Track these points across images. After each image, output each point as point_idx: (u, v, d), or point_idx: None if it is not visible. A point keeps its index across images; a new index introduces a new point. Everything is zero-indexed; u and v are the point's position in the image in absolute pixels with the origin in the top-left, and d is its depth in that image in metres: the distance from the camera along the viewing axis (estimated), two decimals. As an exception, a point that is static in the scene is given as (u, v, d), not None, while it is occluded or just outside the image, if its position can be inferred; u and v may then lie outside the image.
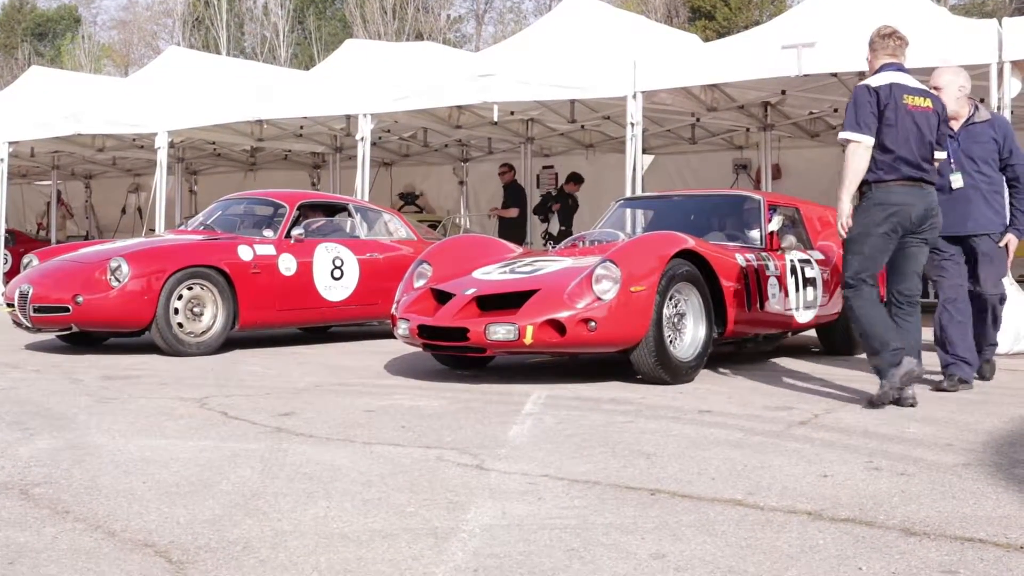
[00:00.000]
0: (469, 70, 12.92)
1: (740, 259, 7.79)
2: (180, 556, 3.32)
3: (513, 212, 15.64)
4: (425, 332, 7.25)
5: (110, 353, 9.25)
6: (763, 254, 8.15)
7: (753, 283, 7.79)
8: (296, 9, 54.55)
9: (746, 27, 34.19)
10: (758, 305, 7.83)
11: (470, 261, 7.95)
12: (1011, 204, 7.07)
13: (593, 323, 6.78)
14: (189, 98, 15.32)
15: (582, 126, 16.25)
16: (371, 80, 13.71)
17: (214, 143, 18.85)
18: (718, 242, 8.14)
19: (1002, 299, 7.13)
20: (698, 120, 15.01)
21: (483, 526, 3.63)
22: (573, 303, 6.84)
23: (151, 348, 9.68)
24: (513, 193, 15.89)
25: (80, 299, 8.99)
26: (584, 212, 15.94)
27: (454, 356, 7.75)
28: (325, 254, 10.29)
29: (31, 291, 9.27)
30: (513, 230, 14.92)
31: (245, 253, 9.64)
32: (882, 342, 6.00)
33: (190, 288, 9.26)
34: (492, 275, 7.54)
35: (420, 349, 7.77)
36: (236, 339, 10.46)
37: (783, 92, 13.24)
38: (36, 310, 9.22)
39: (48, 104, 17.11)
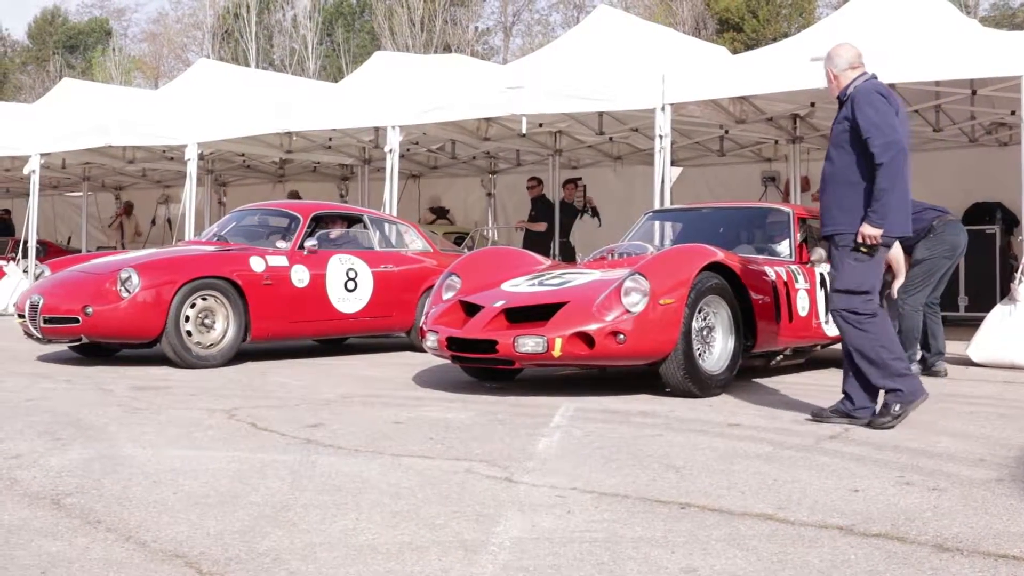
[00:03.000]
0: (498, 82, 12.93)
1: (769, 272, 7.76)
2: (210, 567, 3.33)
3: (541, 226, 15.62)
4: (454, 344, 7.26)
5: (139, 364, 9.29)
6: (792, 267, 8.11)
7: (782, 296, 7.76)
8: (325, 22, 54.83)
9: (774, 39, 34.13)
10: (787, 318, 7.80)
11: (499, 273, 7.95)
12: None
13: (622, 336, 6.77)
14: (219, 110, 15.39)
15: (610, 138, 16.23)
16: (400, 92, 13.74)
17: (243, 155, 18.93)
18: (747, 255, 8.11)
19: None
20: (727, 132, 14.98)
21: (513, 539, 3.62)
22: (602, 316, 6.83)
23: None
24: (542, 207, 15.88)
25: (90, 310, 8.93)
26: (612, 225, 15.90)
27: (482, 368, 7.75)
28: (339, 265, 10.20)
29: (41, 302, 9.21)
30: (540, 244, 14.89)
31: (257, 264, 9.56)
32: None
33: (202, 299, 9.18)
34: (521, 287, 7.54)
35: (448, 361, 7.78)
36: (262, 351, 10.51)
37: (812, 104, 13.19)
38: (46, 321, 9.16)
39: (79, 116, 17.23)
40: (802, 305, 7.98)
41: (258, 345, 10.64)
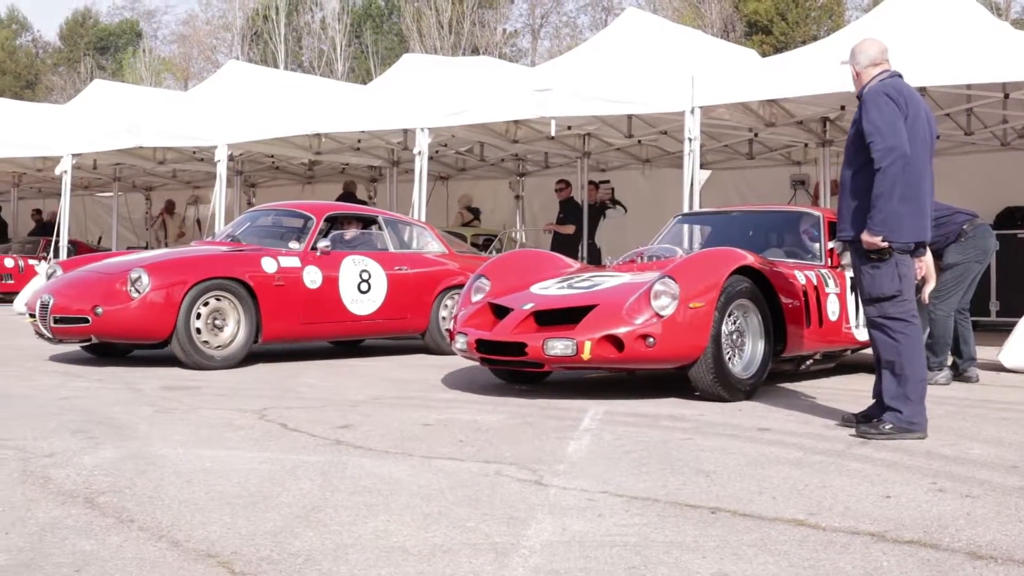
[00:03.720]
0: (527, 85, 12.93)
1: (799, 276, 7.73)
2: (243, 567, 3.34)
3: (570, 229, 15.63)
4: (483, 346, 7.27)
5: (169, 364, 9.31)
6: (823, 271, 8.08)
7: (812, 300, 7.73)
8: (353, 23, 55.02)
9: (803, 42, 34.05)
10: (817, 322, 7.77)
11: (528, 276, 7.95)
12: None
13: (651, 339, 6.76)
14: (248, 111, 15.46)
15: (639, 141, 16.22)
16: (428, 94, 13.77)
17: (272, 156, 19.00)
18: (777, 258, 8.08)
19: None
20: (756, 135, 14.94)
21: (543, 542, 3.62)
22: (631, 319, 6.82)
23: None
24: (570, 209, 15.88)
25: (99, 310, 8.86)
26: (640, 227, 15.88)
27: (511, 370, 7.75)
28: (352, 267, 10.10)
29: (52, 301, 9.15)
30: (567, 246, 14.88)
31: (269, 265, 9.47)
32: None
33: (213, 300, 9.10)
34: (550, 290, 7.54)
35: (477, 363, 7.79)
36: (291, 351, 10.53)
37: (842, 107, 13.14)
38: (56, 321, 9.10)
39: (110, 117, 17.34)
40: (832, 309, 7.94)
41: (286, 347, 10.69)
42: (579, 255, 15.13)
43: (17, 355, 9.98)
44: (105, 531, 3.75)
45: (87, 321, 8.93)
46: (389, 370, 9.30)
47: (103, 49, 68.98)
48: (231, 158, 16.01)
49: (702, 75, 11.48)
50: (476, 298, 7.83)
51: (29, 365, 9.23)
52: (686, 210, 10.99)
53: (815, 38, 35.67)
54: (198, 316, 9.01)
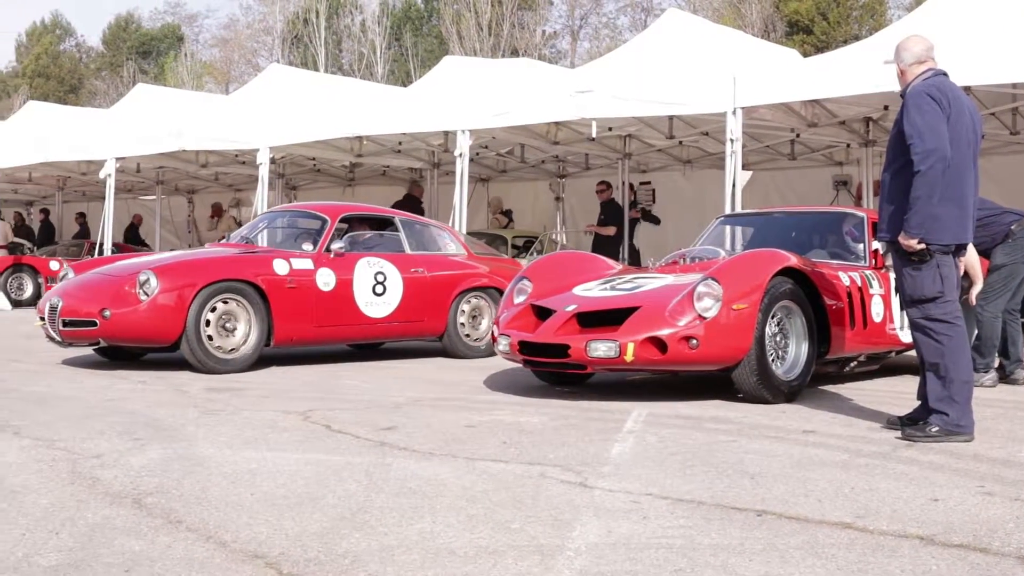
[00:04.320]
0: (567, 86, 12.92)
1: (844, 277, 7.68)
2: (290, 568, 3.36)
3: (611, 230, 15.61)
4: (526, 348, 7.27)
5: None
6: (867, 272, 8.03)
7: (857, 302, 7.68)
8: (393, 26, 55.15)
9: (844, 41, 33.84)
10: (862, 324, 7.71)
11: (570, 277, 7.94)
12: None
13: (695, 341, 6.74)
14: (290, 114, 15.53)
15: (680, 142, 16.16)
16: (469, 96, 13.78)
17: (314, 159, 19.07)
18: (820, 260, 8.04)
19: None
20: (798, 136, 14.84)
21: (589, 544, 3.62)
22: (674, 320, 6.80)
23: (254, 361, 9.80)
24: (611, 210, 15.86)
25: (107, 313, 8.73)
26: (681, 229, 15.84)
27: (554, 372, 7.74)
28: (367, 269, 9.91)
29: (60, 304, 9.06)
30: (608, 248, 14.85)
31: (280, 267, 9.31)
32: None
33: (223, 303, 8.96)
34: (593, 291, 7.53)
35: (519, 365, 7.80)
36: (333, 353, 10.54)
37: (885, 107, 13.03)
38: (65, 324, 9.01)
39: (153, 120, 17.48)
40: (876, 311, 7.89)
41: (325, 348, 10.69)
42: (620, 256, 15.10)
43: (62, 356, 10.06)
44: (154, 531, 3.78)
45: (95, 324, 8.83)
46: (431, 372, 9.31)
47: (145, 53, 69.54)
48: (273, 161, 16.08)
49: (744, 75, 11.43)
50: (518, 300, 7.83)
51: (75, 367, 9.32)
52: (728, 211, 10.94)
53: (856, 38, 35.45)
54: (208, 319, 8.88)
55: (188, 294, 8.77)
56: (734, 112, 11.39)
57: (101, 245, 18.07)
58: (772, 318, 7.03)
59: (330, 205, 10.92)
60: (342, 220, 10.26)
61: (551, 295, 7.68)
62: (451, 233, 11.41)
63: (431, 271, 10.47)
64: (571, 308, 7.26)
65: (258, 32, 63.22)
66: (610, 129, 15.00)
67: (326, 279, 9.60)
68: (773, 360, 7.04)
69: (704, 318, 6.77)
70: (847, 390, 7.81)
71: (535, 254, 15.53)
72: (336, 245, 9.77)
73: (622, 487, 4.48)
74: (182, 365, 9.40)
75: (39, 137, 19.19)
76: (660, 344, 6.78)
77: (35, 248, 22.09)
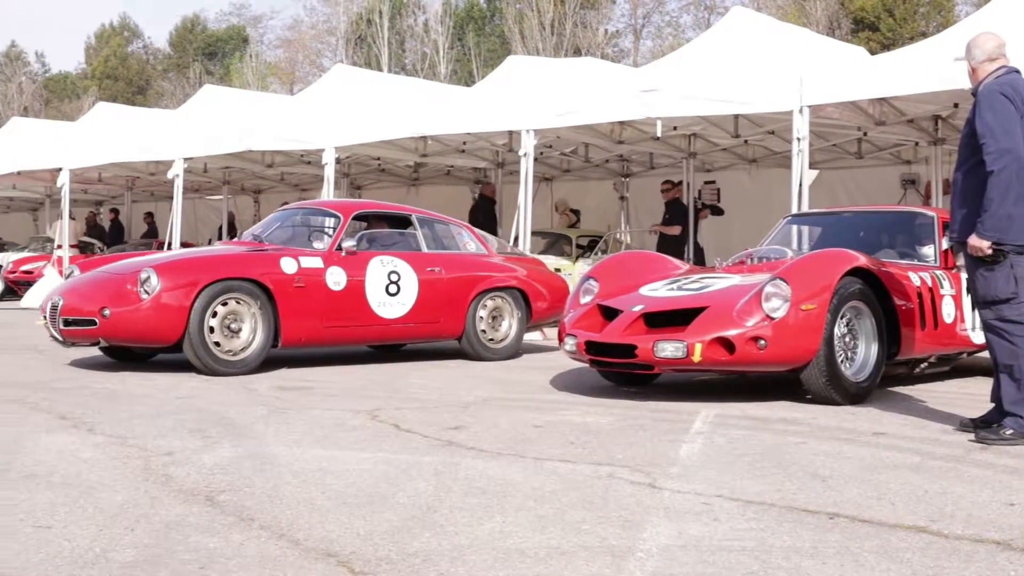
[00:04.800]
0: (632, 85, 12.88)
1: (913, 277, 7.59)
2: (362, 567, 3.38)
3: (676, 229, 15.54)
4: (592, 348, 7.26)
5: (281, 366, 9.44)
6: (937, 272, 7.93)
7: (927, 302, 7.58)
8: (456, 26, 55.28)
9: (911, 38, 33.45)
10: (932, 325, 7.61)
11: (636, 277, 7.92)
12: None
13: (763, 341, 6.69)
14: (355, 114, 15.61)
15: (745, 141, 16.04)
16: (533, 96, 13.77)
17: (379, 159, 19.16)
18: (889, 260, 7.94)
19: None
20: (865, 134, 14.68)
21: (660, 546, 3.61)
22: (742, 321, 6.76)
23: (320, 360, 9.88)
24: (676, 210, 15.79)
25: (107, 312, 8.52)
26: (747, 228, 15.72)
27: (620, 372, 7.72)
28: (380, 268, 9.62)
29: (61, 303, 8.89)
30: (673, 247, 14.77)
31: (288, 266, 9.04)
32: None
33: (227, 303, 8.69)
34: (659, 292, 7.50)
35: (585, 365, 7.78)
36: (398, 353, 10.53)
37: (955, 105, 12.84)
38: (66, 323, 8.81)
39: (220, 121, 17.65)
40: (947, 312, 7.78)
41: (392, 347, 10.72)
42: (685, 256, 15.03)
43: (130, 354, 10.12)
44: (227, 529, 3.82)
45: (95, 323, 8.63)
46: (496, 371, 9.31)
47: (211, 55, 70.31)
48: (338, 161, 16.15)
49: (810, 74, 11.33)
50: (585, 300, 7.82)
51: (145, 364, 9.43)
52: (795, 211, 10.85)
53: (923, 34, 35.00)
54: (212, 319, 8.63)
55: (190, 293, 8.53)
56: (801, 111, 11.28)
57: (169, 244, 18.27)
58: (841, 318, 6.96)
59: (343, 202, 10.67)
60: (357, 218, 10.03)
61: (617, 295, 7.66)
62: (471, 232, 11.10)
63: (449, 271, 10.18)
64: (638, 308, 7.24)
65: (322, 33, 63.68)
66: (675, 128, 14.92)
67: (336, 278, 9.33)
68: (842, 361, 6.97)
69: (772, 318, 6.72)
70: (918, 392, 7.71)
71: (600, 254, 15.49)
72: (348, 243, 9.52)
73: (691, 488, 4.46)
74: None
75: (110, 138, 19.47)
76: (728, 344, 6.74)
77: (105, 248, 22.40)
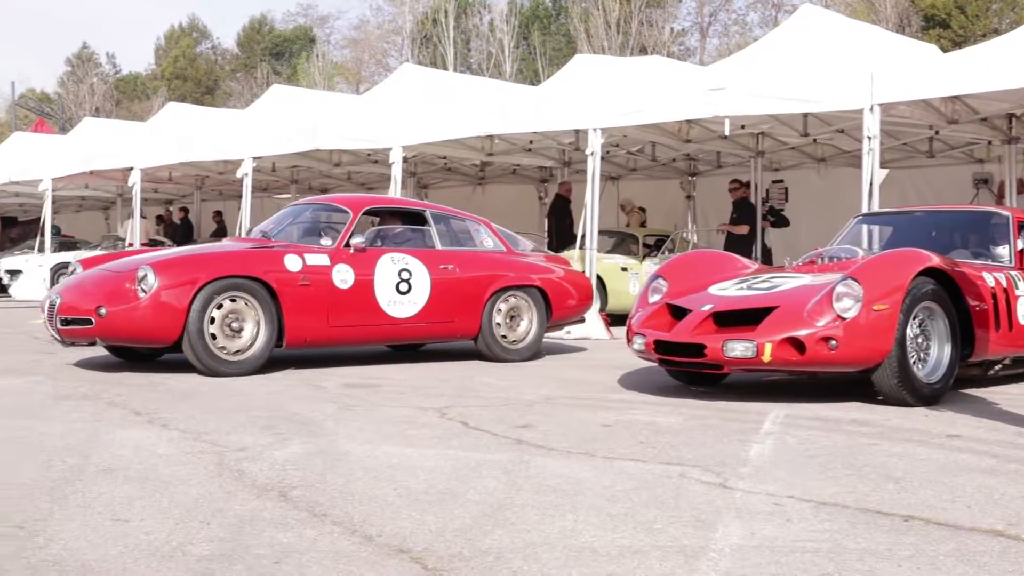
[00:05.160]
0: (699, 84, 12.82)
1: (988, 278, 7.48)
2: (435, 563, 3.40)
3: (743, 229, 15.45)
4: (661, 347, 7.23)
5: (349, 364, 9.50)
6: (1012, 273, 7.81)
7: (1002, 303, 7.47)
8: (521, 25, 55.37)
9: (983, 36, 32.97)
10: (1007, 326, 7.50)
11: (705, 276, 7.88)
12: None
13: (834, 342, 6.63)
14: (422, 113, 15.66)
15: (814, 140, 15.91)
16: (600, 94, 13.74)
17: (445, 158, 19.22)
18: (963, 260, 7.84)
19: None
20: (937, 133, 14.50)
21: (733, 546, 3.59)
22: (813, 321, 6.71)
23: (388, 358, 9.93)
24: (744, 209, 15.70)
25: (103, 311, 8.30)
26: (815, 228, 15.59)
27: (688, 372, 7.69)
28: (390, 266, 9.35)
29: (59, 301, 8.68)
30: (740, 247, 14.68)
31: (293, 263, 8.81)
32: None
33: (229, 301, 8.47)
34: (729, 291, 7.46)
35: (651, 364, 7.76)
36: (467, 352, 10.54)
37: (1031, 103, 12.67)
38: (63, 322, 8.59)
39: (288, 120, 17.78)
40: (1023, 313, 7.67)
41: (456, 346, 10.70)
42: (753, 256, 14.93)
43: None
44: (300, 524, 3.86)
45: (91, 323, 8.41)
46: (563, 370, 9.31)
47: (278, 55, 70.99)
48: (405, 159, 16.23)
49: (881, 72, 11.21)
50: (653, 299, 7.79)
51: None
52: (865, 210, 10.74)
53: (996, 32, 34.47)
54: (212, 318, 8.41)
55: (189, 291, 8.31)
56: (871, 109, 11.17)
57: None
58: (914, 319, 6.88)
59: (354, 197, 10.32)
60: (368, 213, 9.84)
61: (686, 294, 7.63)
62: (489, 228, 10.67)
63: (464, 268, 9.87)
64: (707, 307, 7.20)
65: (388, 32, 64.09)
66: (743, 127, 14.83)
67: (343, 276, 9.08)
68: (915, 362, 6.89)
69: (843, 319, 6.66)
70: (991, 394, 7.59)
71: (666, 253, 15.43)
72: (356, 240, 9.26)
73: (763, 489, 4.43)
74: (318, 361, 9.58)
75: (180, 138, 19.71)
76: (798, 345, 6.69)
77: (175, 246, 22.66)
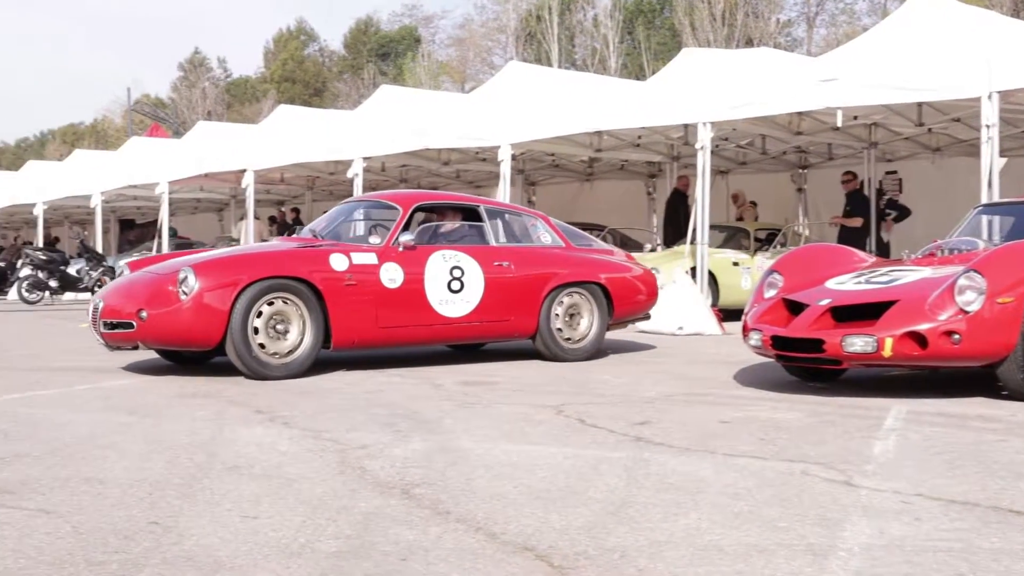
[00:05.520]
0: (810, 75, 12.66)
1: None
2: (561, 561, 3.40)
3: (857, 221, 15.22)
4: (778, 343, 7.14)
5: (466, 361, 9.54)
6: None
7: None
8: (625, 20, 55.19)
9: (1105, 18, 31.94)
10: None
11: (821, 270, 7.76)
12: None
13: (956, 336, 6.49)
14: (530, 111, 15.69)
15: (929, 129, 15.59)
16: (709, 88, 13.65)
17: (553, 154, 19.25)
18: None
19: None
20: (1057, 119, 14.13)
21: (862, 545, 3.54)
22: (935, 315, 6.57)
23: (502, 356, 9.96)
24: (857, 201, 15.45)
25: (144, 314, 8.11)
26: (932, 219, 15.28)
27: (806, 367, 7.59)
28: (441, 263, 9.06)
29: (102, 305, 8.53)
30: (854, 240, 14.45)
31: (339, 263, 8.55)
32: None
33: (272, 303, 8.23)
34: (846, 285, 7.34)
35: (767, 360, 7.67)
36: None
37: None
38: (106, 326, 8.43)
39: (396, 120, 17.97)
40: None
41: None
42: (867, 249, 14.69)
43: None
44: (424, 522, 3.89)
45: (132, 326, 8.23)
46: (679, 367, 9.23)
47: (384, 55, 71.70)
48: (513, 157, 16.28)
49: (999, 58, 10.95)
50: (769, 294, 7.71)
51: (332, 360, 9.64)
52: (985, 200, 10.50)
53: (1118, 13, 33.44)
54: (256, 320, 8.18)
55: (231, 293, 8.08)
56: (989, 97, 10.92)
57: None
58: (1040, 312, 6.70)
59: (404, 194, 9.93)
60: (420, 209, 9.56)
61: (803, 289, 7.53)
62: (547, 223, 10.33)
63: (519, 265, 9.53)
64: (825, 302, 7.10)
65: (492, 31, 64.32)
66: (855, 118, 14.60)
67: (392, 275, 8.80)
68: (1042, 356, 6.71)
69: (966, 312, 6.52)
70: (1122, 388, 7.37)
71: (778, 247, 15.25)
72: (405, 237, 8.97)
73: (889, 487, 4.36)
74: (437, 359, 9.64)
75: (291, 139, 20.04)
76: (920, 339, 6.56)
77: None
